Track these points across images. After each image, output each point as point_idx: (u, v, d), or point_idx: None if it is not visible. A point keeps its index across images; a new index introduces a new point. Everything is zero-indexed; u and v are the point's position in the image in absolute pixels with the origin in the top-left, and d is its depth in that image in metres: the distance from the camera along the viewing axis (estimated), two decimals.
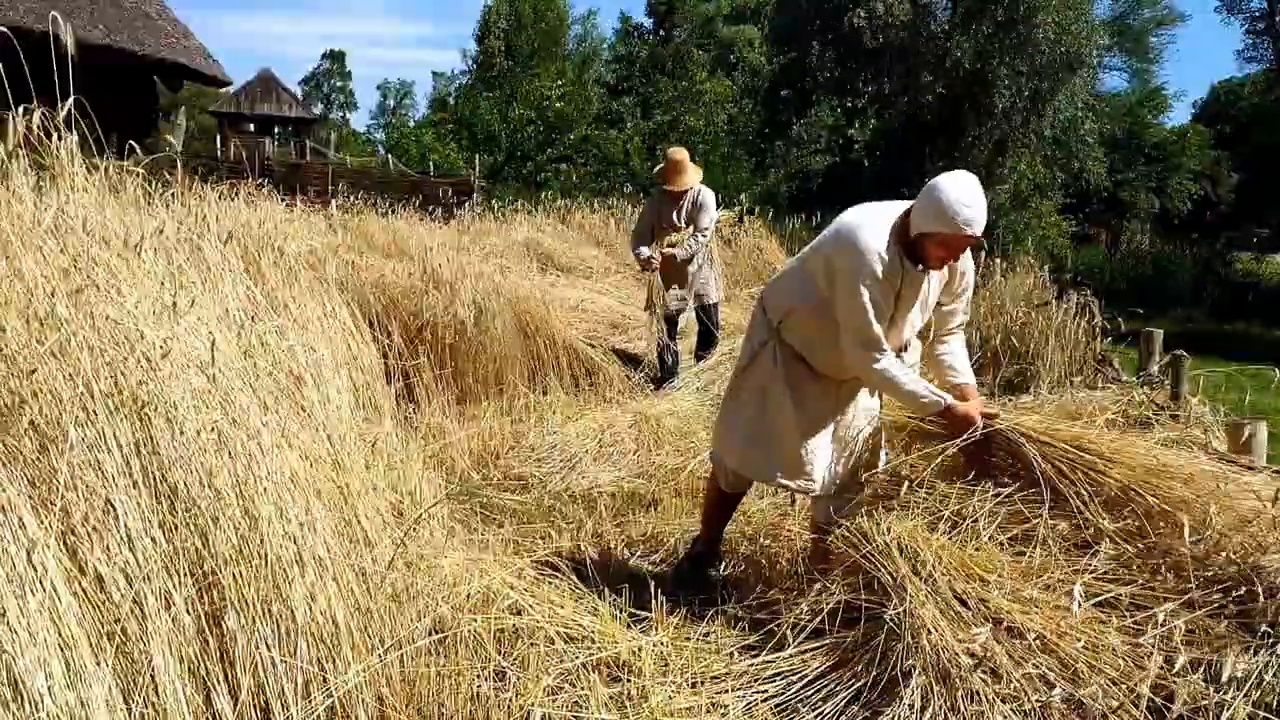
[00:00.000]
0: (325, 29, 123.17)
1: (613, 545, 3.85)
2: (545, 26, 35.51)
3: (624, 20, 27.94)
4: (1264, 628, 2.20)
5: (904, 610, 2.42)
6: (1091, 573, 2.51)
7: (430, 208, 11.75)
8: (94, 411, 2.08)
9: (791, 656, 2.60)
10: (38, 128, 2.49)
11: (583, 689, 2.42)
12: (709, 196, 6.56)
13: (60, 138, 2.55)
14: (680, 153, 6.57)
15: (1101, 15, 21.57)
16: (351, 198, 10.56)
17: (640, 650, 2.58)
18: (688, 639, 2.79)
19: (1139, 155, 28.12)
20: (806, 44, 19.54)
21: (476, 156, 17.37)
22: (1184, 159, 29.23)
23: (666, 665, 2.61)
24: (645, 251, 6.54)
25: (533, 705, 2.34)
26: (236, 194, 5.35)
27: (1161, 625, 2.28)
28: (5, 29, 2.41)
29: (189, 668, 2.04)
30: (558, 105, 21.74)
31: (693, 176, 6.45)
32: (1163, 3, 24.66)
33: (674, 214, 6.52)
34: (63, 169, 2.55)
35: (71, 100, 2.44)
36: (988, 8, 17.49)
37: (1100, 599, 2.42)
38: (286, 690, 2.14)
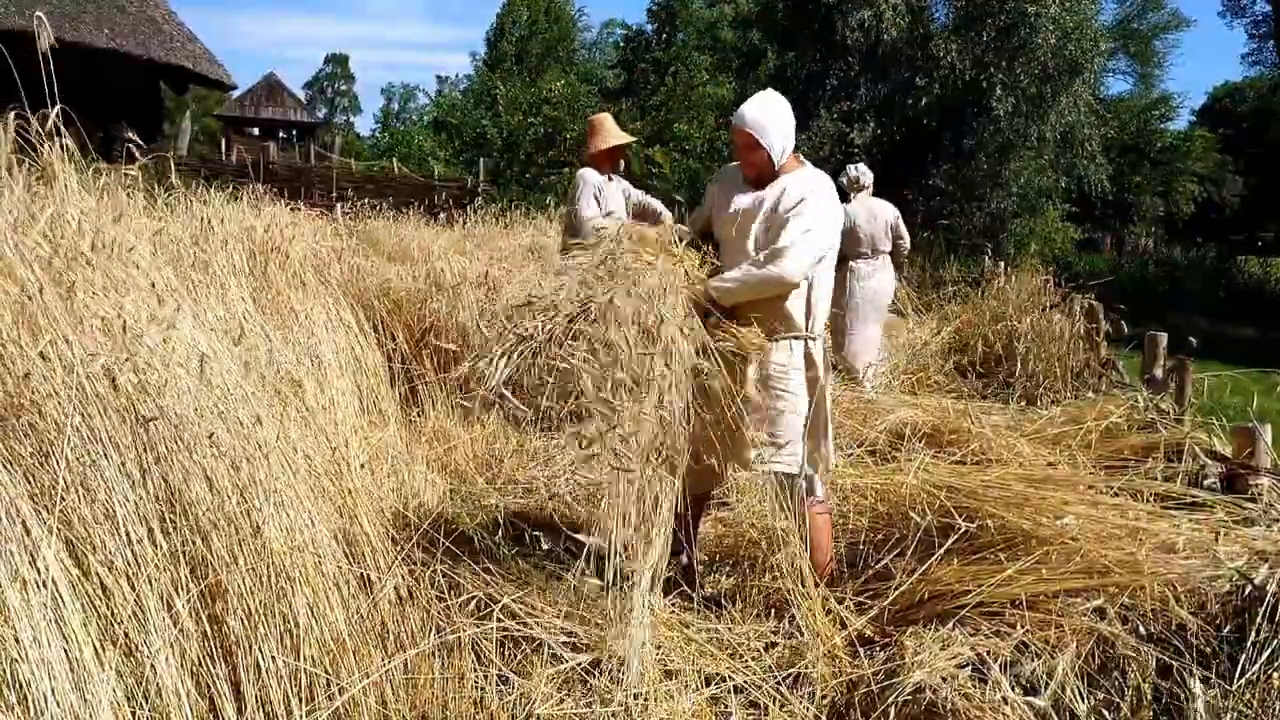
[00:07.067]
0: (336, 31, 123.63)
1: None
2: (554, 31, 35.51)
3: (624, 28, 27.92)
4: None
5: None
6: None
7: (436, 212, 11.74)
8: (90, 416, 2.08)
9: None
10: (34, 131, 2.48)
11: (585, 693, 2.42)
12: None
13: (59, 138, 2.53)
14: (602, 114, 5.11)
15: (1106, 20, 21.47)
16: (356, 201, 10.54)
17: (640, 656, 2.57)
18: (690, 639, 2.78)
19: (1144, 160, 28.03)
20: (802, 47, 19.43)
21: (481, 160, 17.32)
22: (1189, 162, 29.11)
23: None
24: None
25: (536, 709, 2.33)
26: (239, 197, 5.35)
27: None
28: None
29: (192, 671, 2.03)
30: (547, 110, 21.63)
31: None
32: (1168, 6, 24.61)
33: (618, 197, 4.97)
34: (56, 172, 2.53)
35: (57, 109, 2.42)
36: (986, 13, 17.39)
37: None
38: (290, 695, 2.13)
